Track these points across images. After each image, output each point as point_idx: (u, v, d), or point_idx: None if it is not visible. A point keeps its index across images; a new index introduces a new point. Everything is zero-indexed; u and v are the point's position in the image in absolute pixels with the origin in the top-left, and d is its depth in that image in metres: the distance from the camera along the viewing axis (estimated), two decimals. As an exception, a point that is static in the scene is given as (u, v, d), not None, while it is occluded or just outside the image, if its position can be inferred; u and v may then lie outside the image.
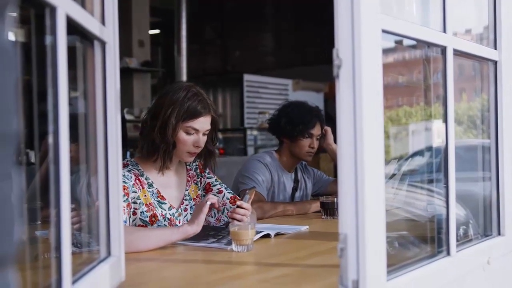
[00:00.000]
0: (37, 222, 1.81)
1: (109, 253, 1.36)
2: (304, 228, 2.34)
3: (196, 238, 2.02)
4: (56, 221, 0.99)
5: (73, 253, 1.07)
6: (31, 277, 1.16)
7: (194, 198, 2.34)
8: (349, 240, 1.16)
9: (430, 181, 1.94)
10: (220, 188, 2.38)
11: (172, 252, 1.90)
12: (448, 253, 1.50)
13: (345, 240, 1.16)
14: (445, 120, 1.51)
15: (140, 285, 1.50)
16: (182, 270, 1.69)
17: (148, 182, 2.21)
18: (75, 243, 1.31)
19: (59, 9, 0.98)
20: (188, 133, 2.18)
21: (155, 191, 2.21)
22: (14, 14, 0.60)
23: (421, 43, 1.58)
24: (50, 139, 0.99)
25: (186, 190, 2.33)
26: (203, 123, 2.19)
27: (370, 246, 1.15)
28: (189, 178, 2.36)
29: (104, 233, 1.35)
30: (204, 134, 2.21)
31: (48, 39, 1.00)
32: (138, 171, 2.20)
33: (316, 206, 2.80)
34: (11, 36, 0.58)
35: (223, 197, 2.32)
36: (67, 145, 1.01)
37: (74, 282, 1.08)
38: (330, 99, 8.18)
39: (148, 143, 2.18)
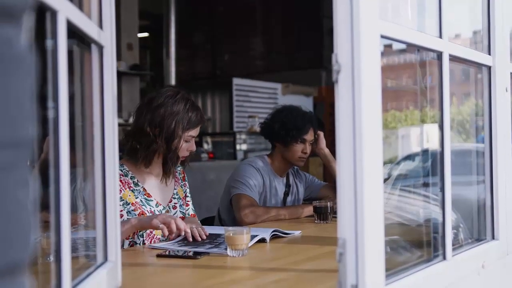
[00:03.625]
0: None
1: (106, 259, 1.35)
2: (298, 233, 2.33)
3: (192, 244, 2.01)
4: (56, 226, 0.98)
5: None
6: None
7: (182, 198, 2.44)
8: (348, 245, 1.16)
9: (422, 186, 1.95)
10: (189, 201, 2.49)
11: (168, 258, 1.89)
12: (444, 257, 1.51)
13: (344, 245, 1.16)
14: (441, 125, 1.52)
15: (136, 290, 1.49)
16: (178, 275, 1.68)
17: (133, 182, 2.26)
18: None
19: (60, 13, 0.97)
20: (186, 141, 2.28)
21: (141, 189, 2.27)
22: (31, 20, 0.60)
23: (412, 48, 1.59)
24: (51, 143, 0.98)
25: (175, 189, 2.41)
26: (198, 130, 2.33)
27: (369, 250, 1.15)
28: (176, 179, 2.45)
29: (100, 239, 1.34)
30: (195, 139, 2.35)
31: (48, 43, 0.99)
32: (121, 171, 2.22)
33: (308, 210, 2.80)
34: (28, 42, 0.58)
35: (175, 213, 2.38)
36: (67, 149, 1.00)
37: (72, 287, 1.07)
38: (319, 103, 8.20)
39: (151, 152, 2.24)
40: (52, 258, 1.02)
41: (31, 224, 0.57)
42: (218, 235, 2.16)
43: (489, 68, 1.81)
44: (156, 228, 1.96)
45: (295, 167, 3.16)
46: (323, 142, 3.10)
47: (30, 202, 0.57)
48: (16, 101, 0.54)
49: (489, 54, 1.81)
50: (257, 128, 7.26)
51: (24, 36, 0.56)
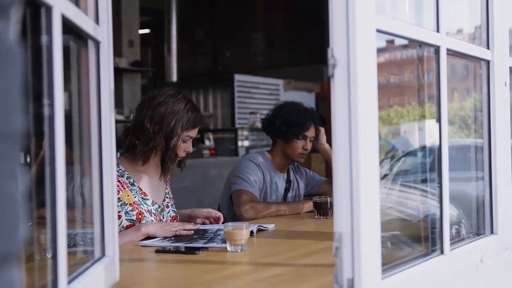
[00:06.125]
0: (29, 223, 1.80)
1: (103, 253, 1.35)
2: (272, 226, 2.35)
3: (183, 240, 2.02)
4: (51, 222, 0.99)
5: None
6: (25, 278, 1.16)
7: (172, 198, 2.47)
8: (344, 239, 1.16)
9: (423, 181, 1.95)
10: (171, 203, 2.49)
11: (166, 253, 1.89)
12: (442, 252, 1.51)
13: (340, 239, 1.16)
14: (439, 120, 1.52)
15: (134, 285, 1.50)
16: (177, 270, 1.69)
17: (129, 181, 2.28)
18: (69, 244, 1.31)
19: (55, 8, 0.97)
20: (184, 141, 2.30)
21: (137, 189, 2.29)
22: (19, 14, 0.60)
23: (414, 43, 1.59)
24: (46, 140, 0.98)
25: (166, 189, 2.45)
26: (197, 131, 2.36)
27: (365, 244, 1.15)
28: (167, 180, 2.47)
29: (98, 234, 1.35)
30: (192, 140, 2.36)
31: (43, 38, 0.99)
32: (117, 172, 2.23)
33: (309, 206, 2.80)
34: (16, 36, 0.58)
35: (168, 212, 2.41)
36: (63, 146, 1.00)
37: (69, 282, 1.07)
38: (322, 99, 8.19)
39: (149, 149, 2.26)
40: (50, 253, 1.02)
41: (20, 216, 0.57)
42: (205, 231, 2.20)
43: (488, 62, 1.81)
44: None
45: (296, 163, 3.16)
46: (323, 138, 3.10)
47: (19, 194, 0.58)
48: (4, 94, 0.55)
49: (488, 48, 1.80)
50: (258, 125, 7.27)
51: (12, 30, 0.57)
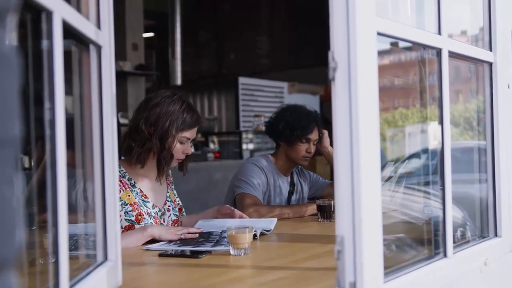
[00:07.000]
0: (33, 228, 1.80)
1: (105, 258, 1.35)
2: (273, 223, 2.36)
3: (189, 244, 2.02)
4: (53, 227, 0.99)
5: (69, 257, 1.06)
6: (28, 282, 1.16)
7: (173, 201, 2.47)
8: (346, 242, 1.16)
9: (427, 183, 1.95)
10: (172, 206, 2.48)
11: (170, 257, 1.89)
12: (445, 255, 1.50)
13: (342, 242, 1.16)
14: (441, 122, 1.52)
15: (137, 289, 1.50)
16: (180, 274, 1.69)
17: (130, 183, 2.29)
18: (70, 247, 1.31)
19: (56, 13, 0.97)
20: (181, 143, 2.30)
21: (138, 191, 2.30)
22: (15, 20, 0.60)
23: (416, 45, 1.59)
24: (47, 144, 0.99)
25: (167, 192, 2.44)
26: (195, 132, 2.34)
27: (367, 248, 1.15)
28: (168, 183, 2.47)
29: (100, 238, 1.35)
30: (191, 142, 2.36)
31: (44, 43, 0.99)
32: (119, 173, 2.23)
33: (312, 209, 2.80)
34: (13, 42, 0.58)
35: (169, 216, 2.42)
36: (64, 150, 1.00)
37: (71, 286, 1.07)
38: (326, 102, 8.18)
39: (145, 151, 2.26)
40: (54, 258, 1.03)
41: (17, 221, 0.57)
42: (210, 233, 2.20)
43: (491, 64, 1.80)
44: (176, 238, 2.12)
45: (299, 166, 3.16)
46: (327, 141, 3.10)
47: (16, 200, 0.58)
48: (1, 100, 0.55)
49: (491, 50, 1.80)
50: (263, 127, 7.26)
51: (9, 36, 0.57)
